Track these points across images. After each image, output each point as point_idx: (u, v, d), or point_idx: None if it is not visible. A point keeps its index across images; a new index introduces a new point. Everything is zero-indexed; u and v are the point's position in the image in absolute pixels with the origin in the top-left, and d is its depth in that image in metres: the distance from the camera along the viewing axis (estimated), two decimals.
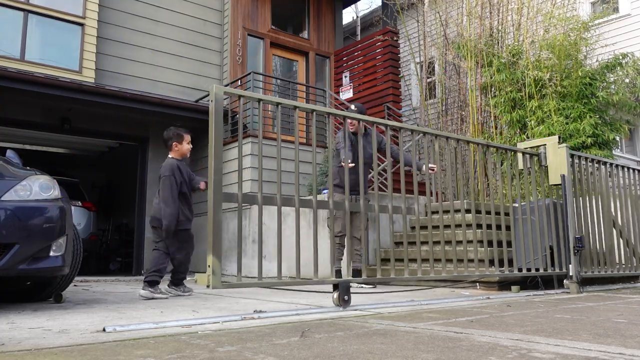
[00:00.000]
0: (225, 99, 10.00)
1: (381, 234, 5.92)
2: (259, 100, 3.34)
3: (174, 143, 4.53)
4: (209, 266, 2.76)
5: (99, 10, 8.76)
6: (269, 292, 4.51)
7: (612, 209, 5.25)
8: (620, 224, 5.20)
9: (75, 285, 5.58)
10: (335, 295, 3.16)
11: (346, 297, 3.15)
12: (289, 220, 6.28)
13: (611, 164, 5.33)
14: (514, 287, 4.61)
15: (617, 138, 7.96)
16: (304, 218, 6.05)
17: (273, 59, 10.86)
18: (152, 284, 4.22)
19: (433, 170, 4.85)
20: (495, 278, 4.65)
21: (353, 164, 4.87)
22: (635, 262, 5.27)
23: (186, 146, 4.56)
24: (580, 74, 7.60)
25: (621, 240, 5.31)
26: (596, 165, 5.24)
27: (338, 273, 4.88)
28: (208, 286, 2.72)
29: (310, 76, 11.12)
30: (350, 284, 4.97)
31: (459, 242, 4.26)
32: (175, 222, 4.35)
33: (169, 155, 4.57)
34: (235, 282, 2.89)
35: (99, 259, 11.72)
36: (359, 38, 13.19)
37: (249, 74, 8.97)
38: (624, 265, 5.24)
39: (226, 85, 9.57)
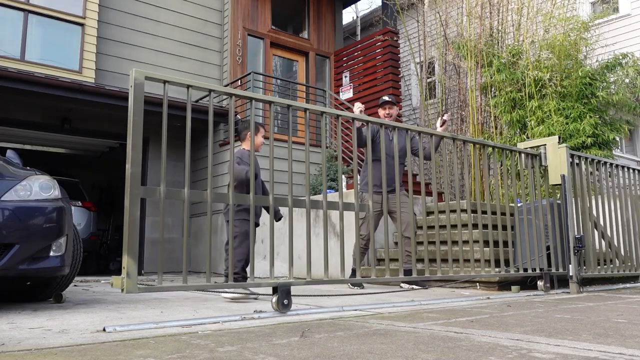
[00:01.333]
0: (225, 99, 9.96)
1: (379, 234, 5.92)
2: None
3: (249, 133, 4.35)
4: (123, 268, 2.47)
5: (99, 10, 8.76)
6: (269, 292, 4.50)
7: (595, 211, 5.17)
8: (603, 226, 5.13)
9: (75, 285, 5.58)
10: (274, 299, 2.90)
11: (286, 302, 2.91)
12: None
13: (611, 164, 5.32)
14: (514, 287, 4.61)
15: (617, 138, 7.96)
16: (305, 218, 6.04)
17: (273, 59, 10.87)
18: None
19: (444, 124, 4.96)
20: (495, 278, 4.65)
21: (361, 108, 4.66)
22: (618, 264, 5.21)
23: (260, 139, 4.51)
24: (580, 74, 7.60)
25: (603, 242, 5.27)
26: (590, 165, 5.24)
27: (354, 272, 4.67)
28: (122, 290, 2.43)
29: (310, 76, 11.12)
30: (401, 283, 4.93)
31: (459, 242, 4.26)
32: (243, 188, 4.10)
33: (241, 147, 4.52)
34: (156, 285, 2.62)
35: (99, 259, 11.72)
36: (359, 38, 13.19)
37: (249, 74, 8.97)
38: (623, 265, 5.23)
39: (226, 86, 9.57)
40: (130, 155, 2.61)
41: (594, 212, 5.09)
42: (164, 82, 2.82)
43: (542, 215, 4.71)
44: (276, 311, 2.89)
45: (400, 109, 10.28)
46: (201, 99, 9.24)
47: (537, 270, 4.60)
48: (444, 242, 4.80)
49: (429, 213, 6.06)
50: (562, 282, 4.78)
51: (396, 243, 6.09)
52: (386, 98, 5.29)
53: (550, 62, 7.75)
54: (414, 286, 4.88)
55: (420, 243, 5.67)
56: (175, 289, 2.84)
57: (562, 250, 4.70)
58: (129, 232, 2.53)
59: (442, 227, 4.56)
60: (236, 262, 4.06)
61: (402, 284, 4.96)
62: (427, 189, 7.92)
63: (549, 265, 4.70)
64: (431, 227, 5.70)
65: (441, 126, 5.02)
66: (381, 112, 5.27)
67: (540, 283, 4.55)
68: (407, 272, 4.65)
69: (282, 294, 2.91)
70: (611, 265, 5.08)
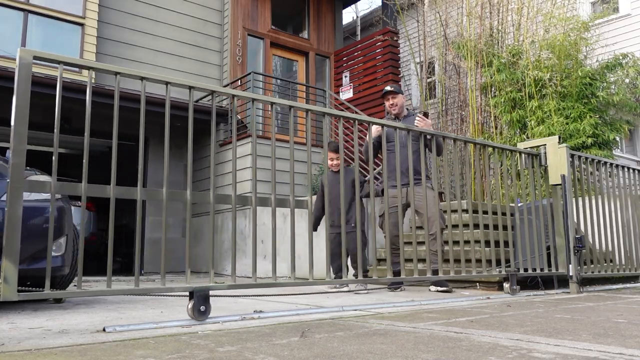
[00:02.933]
0: (224, 99, 9.96)
1: (379, 234, 5.92)
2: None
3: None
4: (1, 272, 2.18)
5: (99, 10, 8.77)
6: (269, 292, 4.51)
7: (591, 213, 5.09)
8: (583, 231, 5.08)
9: (75, 285, 5.58)
10: (190, 305, 2.59)
11: (202, 308, 2.59)
12: (289, 220, 6.27)
13: (611, 164, 5.32)
14: None
15: (617, 138, 7.97)
16: (305, 219, 6.03)
17: (273, 59, 10.87)
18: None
19: (422, 119, 4.55)
20: (495, 278, 4.64)
21: (379, 128, 4.33)
22: (599, 268, 5.15)
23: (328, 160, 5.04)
24: (580, 74, 7.61)
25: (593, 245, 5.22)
26: (590, 165, 5.23)
27: (397, 274, 4.32)
28: None
29: (310, 76, 11.13)
30: (430, 286, 4.58)
31: (459, 242, 4.25)
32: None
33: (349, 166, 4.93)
34: (45, 291, 2.31)
35: (99, 259, 11.72)
36: (359, 38, 13.19)
37: (249, 74, 8.98)
38: (605, 265, 5.17)
39: (225, 86, 9.58)
40: (12, 145, 2.27)
41: (593, 214, 5.07)
42: (59, 62, 2.50)
43: (542, 216, 4.70)
44: (192, 319, 2.57)
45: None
46: (201, 99, 9.24)
47: (539, 271, 4.57)
48: (445, 242, 4.79)
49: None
50: (562, 282, 4.78)
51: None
52: (388, 88, 4.98)
53: (550, 62, 7.76)
54: (438, 288, 4.53)
55: (421, 243, 5.65)
56: (58, 296, 2.45)
57: (555, 250, 4.69)
58: (9, 232, 2.18)
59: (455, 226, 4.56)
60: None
61: (430, 287, 4.66)
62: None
63: (551, 264, 4.69)
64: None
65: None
66: (386, 103, 5.00)
67: (506, 285, 4.24)
68: (435, 272, 4.31)
69: (199, 300, 2.58)
70: (591, 266, 5.01)
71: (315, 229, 4.48)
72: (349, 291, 4.69)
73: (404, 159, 4.15)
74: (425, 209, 4.06)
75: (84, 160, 2.58)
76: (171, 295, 3.93)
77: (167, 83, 2.87)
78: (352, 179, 4.73)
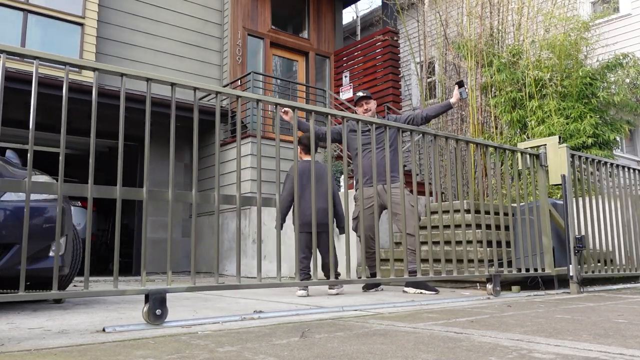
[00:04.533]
0: (224, 99, 9.95)
1: (383, 234, 5.91)
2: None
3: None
4: None
5: (99, 10, 8.77)
6: (268, 292, 4.51)
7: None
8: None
9: (75, 286, 5.58)
10: (145, 308, 2.46)
11: (158, 312, 2.45)
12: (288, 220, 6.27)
13: (611, 164, 5.32)
14: (514, 287, 4.61)
15: (618, 138, 7.96)
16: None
17: (273, 59, 10.87)
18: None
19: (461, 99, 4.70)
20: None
21: (287, 111, 4.24)
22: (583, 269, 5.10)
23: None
24: (580, 74, 7.60)
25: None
26: (590, 165, 5.23)
27: (373, 275, 4.27)
28: None
29: (310, 76, 11.13)
30: (405, 288, 4.46)
31: (459, 243, 4.24)
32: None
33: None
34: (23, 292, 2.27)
35: (99, 259, 11.73)
36: (359, 38, 13.19)
37: (249, 74, 8.98)
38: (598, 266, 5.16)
39: (225, 86, 9.58)
40: None
41: (593, 214, 5.07)
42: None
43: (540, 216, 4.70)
44: (148, 323, 2.45)
45: (400, 109, 10.25)
46: (201, 99, 9.23)
47: (533, 271, 4.56)
48: (436, 243, 4.78)
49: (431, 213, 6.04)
50: (562, 282, 4.78)
51: (396, 243, 6.06)
52: (361, 93, 4.93)
53: (550, 62, 7.75)
54: (423, 291, 4.37)
55: (424, 243, 5.62)
56: (37, 297, 2.39)
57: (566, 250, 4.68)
58: None
59: (436, 227, 4.54)
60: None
61: (405, 289, 4.52)
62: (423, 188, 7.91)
63: (556, 264, 4.69)
64: (435, 227, 5.67)
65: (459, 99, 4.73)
66: (359, 109, 4.87)
67: (489, 286, 4.09)
68: (412, 273, 4.16)
69: (155, 303, 2.46)
70: (591, 265, 4.99)
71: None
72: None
73: (378, 160, 4.15)
74: (402, 208, 3.92)
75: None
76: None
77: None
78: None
